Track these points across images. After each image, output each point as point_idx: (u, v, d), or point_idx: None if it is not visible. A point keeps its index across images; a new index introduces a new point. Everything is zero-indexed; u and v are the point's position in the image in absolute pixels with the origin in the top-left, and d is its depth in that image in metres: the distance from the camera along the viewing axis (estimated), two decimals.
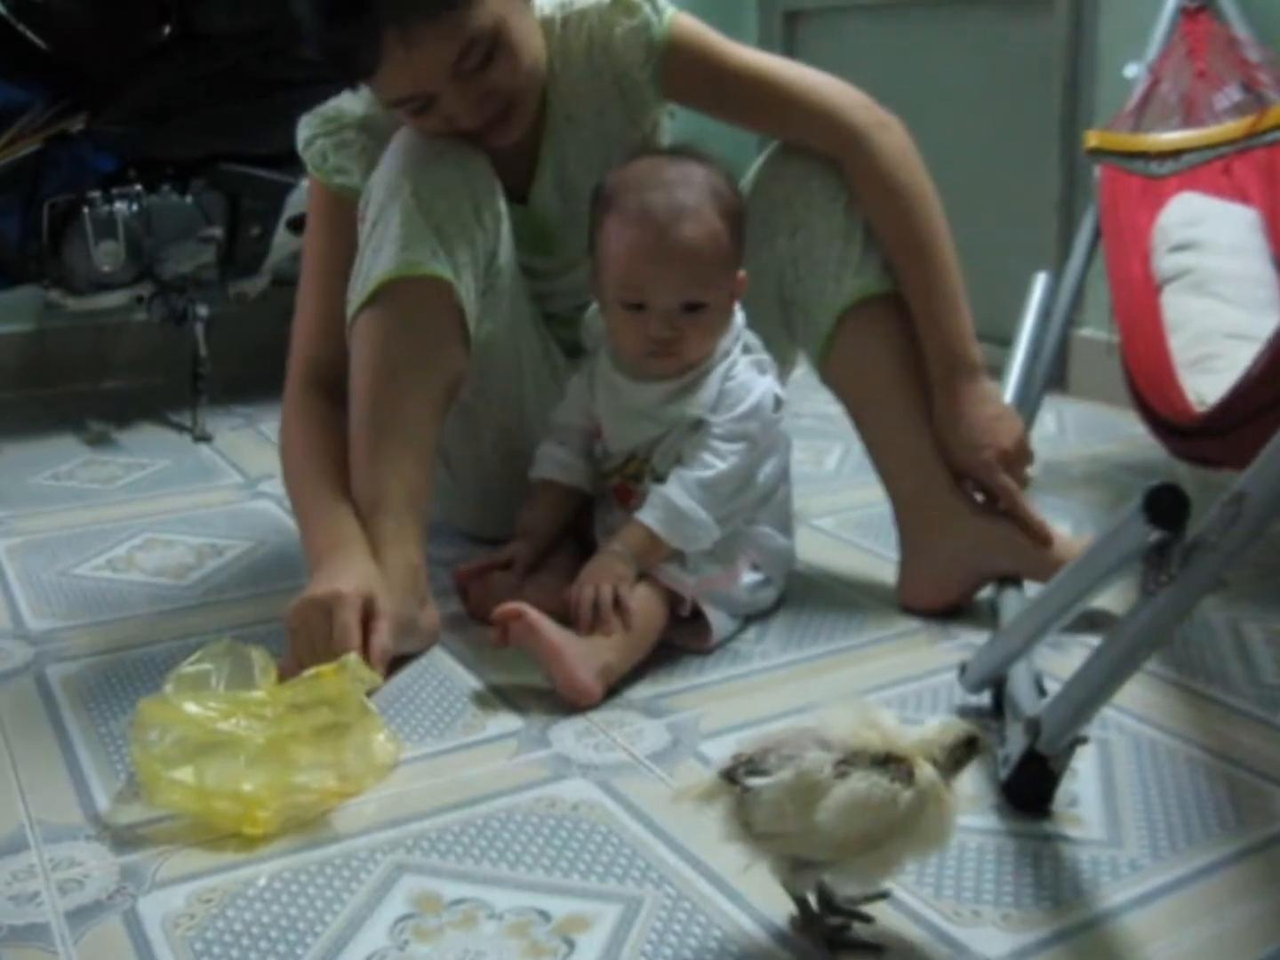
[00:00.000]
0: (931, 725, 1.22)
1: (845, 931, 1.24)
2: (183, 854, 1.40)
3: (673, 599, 1.84)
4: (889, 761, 1.17)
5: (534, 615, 1.70)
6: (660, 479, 1.89)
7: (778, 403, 1.93)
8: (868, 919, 1.25)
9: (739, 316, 1.95)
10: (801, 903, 1.23)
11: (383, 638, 1.71)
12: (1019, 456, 1.98)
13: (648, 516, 1.82)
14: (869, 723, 1.20)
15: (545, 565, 1.95)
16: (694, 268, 1.82)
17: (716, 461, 1.85)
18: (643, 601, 1.79)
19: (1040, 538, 1.94)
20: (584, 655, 1.71)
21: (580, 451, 2.00)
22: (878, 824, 1.15)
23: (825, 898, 1.24)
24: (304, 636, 1.69)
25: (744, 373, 1.91)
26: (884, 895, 1.28)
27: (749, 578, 1.92)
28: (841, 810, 1.14)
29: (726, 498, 1.86)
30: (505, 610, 1.72)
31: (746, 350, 1.94)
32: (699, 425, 1.88)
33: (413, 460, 1.87)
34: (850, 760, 1.17)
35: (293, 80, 2.95)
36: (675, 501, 1.81)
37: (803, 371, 2.22)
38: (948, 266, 2.00)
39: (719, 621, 1.86)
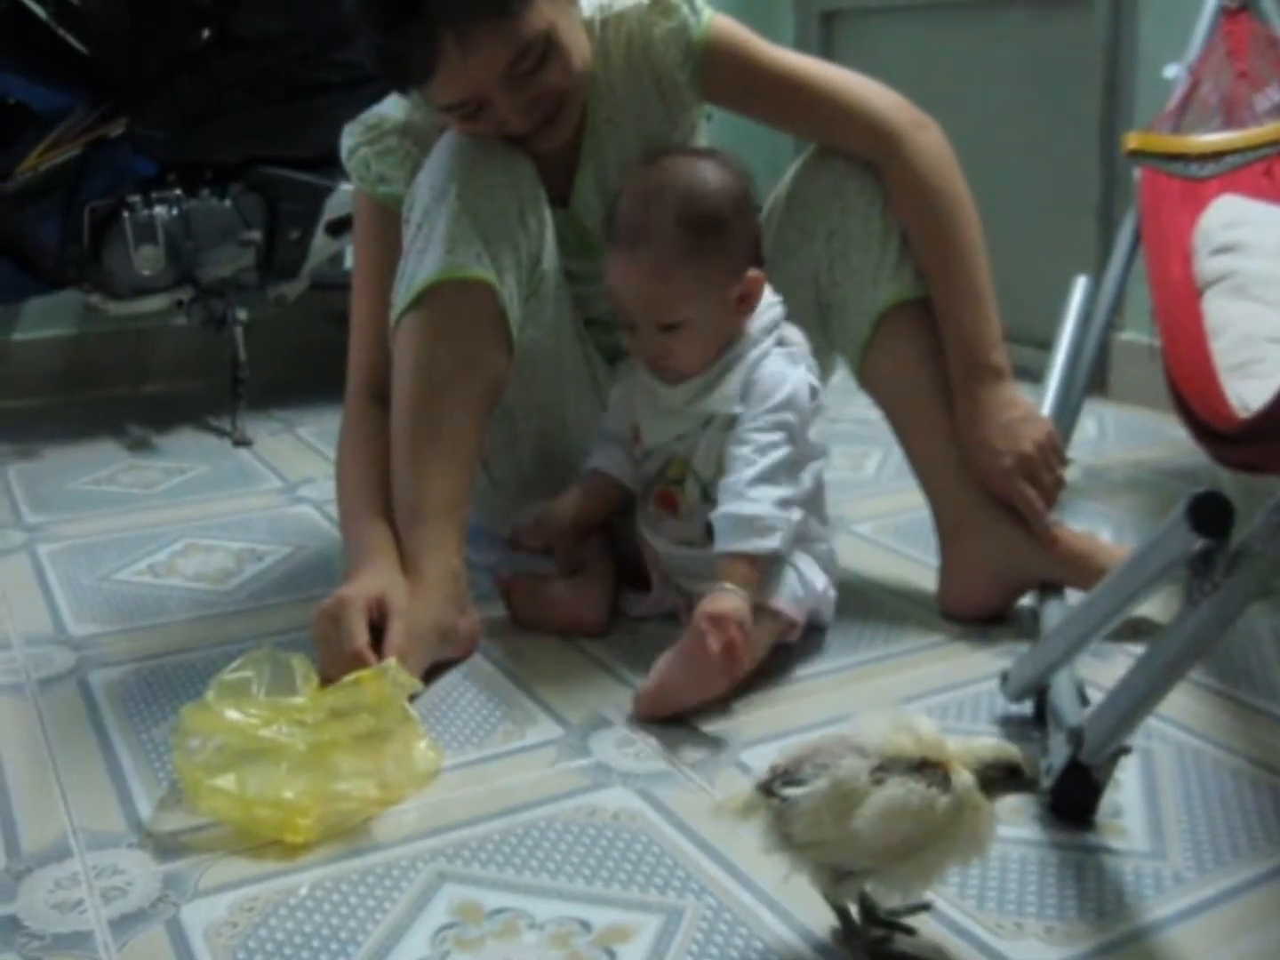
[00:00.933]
0: (985, 741, 1.22)
1: (887, 944, 1.24)
2: (225, 862, 1.41)
3: (784, 626, 1.82)
4: (925, 766, 1.16)
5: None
6: (703, 482, 1.89)
7: (814, 393, 1.91)
8: (910, 931, 1.25)
9: (776, 310, 1.93)
10: (843, 914, 1.23)
11: (395, 636, 1.71)
12: (1043, 461, 1.95)
13: (727, 544, 1.76)
14: (904, 728, 1.20)
15: (584, 573, 1.96)
16: (653, 291, 1.83)
17: (756, 457, 1.80)
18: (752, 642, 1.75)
19: (1049, 544, 1.95)
20: (681, 689, 1.70)
21: (625, 456, 1.98)
22: (916, 829, 1.14)
23: (867, 909, 1.24)
24: (323, 648, 1.71)
25: (774, 364, 1.88)
26: (926, 907, 1.27)
27: (823, 580, 1.90)
28: (879, 817, 1.14)
29: (781, 482, 1.81)
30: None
31: (782, 344, 1.92)
32: (733, 422, 1.86)
33: (454, 466, 1.87)
34: (886, 766, 1.16)
35: (330, 83, 2.97)
36: (739, 512, 1.77)
37: (841, 376, 2.20)
38: (975, 270, 1.99)
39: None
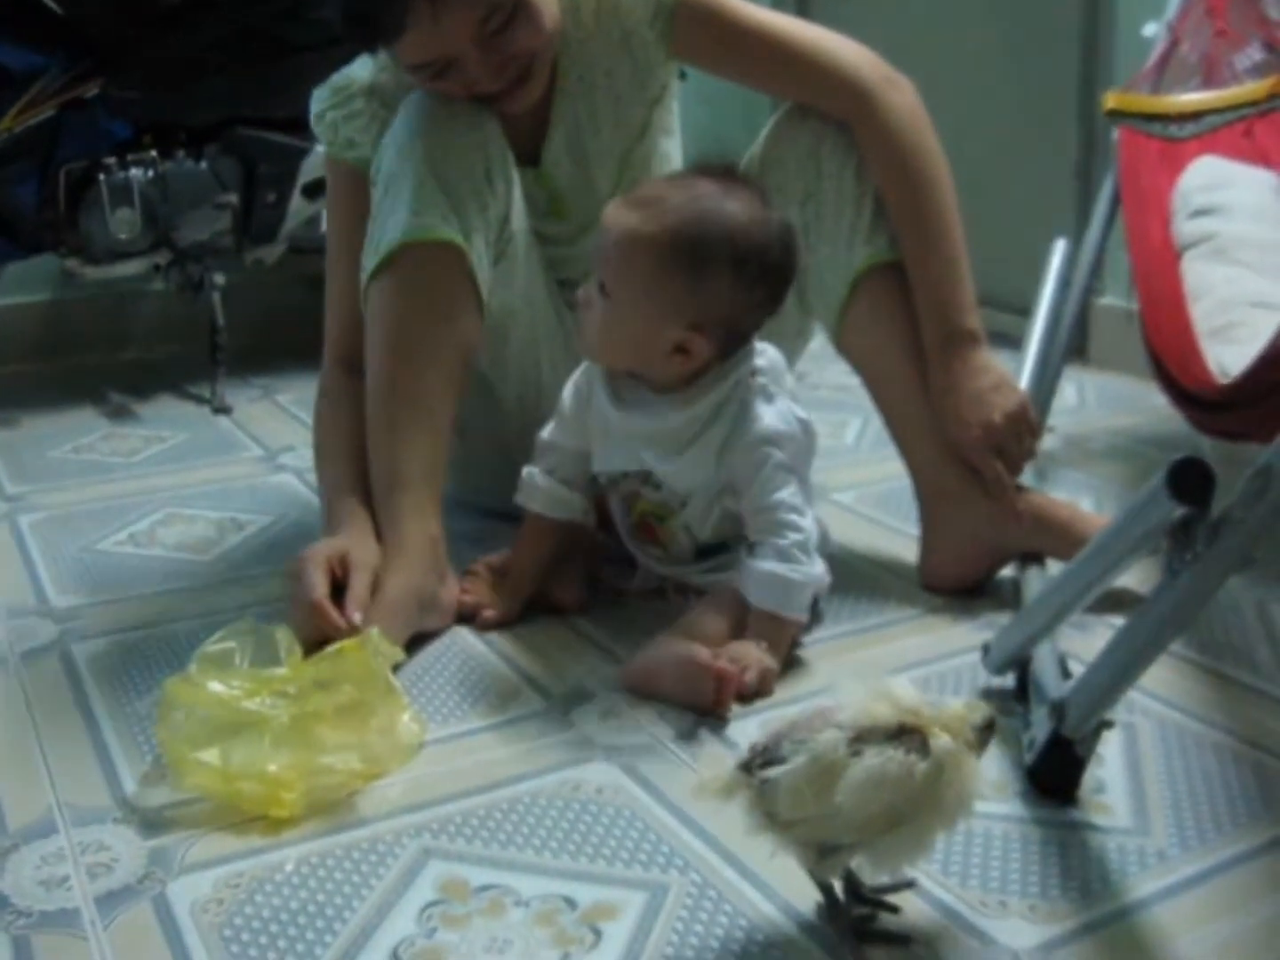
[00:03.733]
0: (956, 705, 1.22)
1: (872, 921, 1.24)
2: (210, 838, 1.41)
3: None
4: (902, 733, 1.16)
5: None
6: (697, 539, 1.85)
7: (805, 427, 1.82)
8: (894, 909, 1.25)
9: (751, 363, 1.80)
10: (828, 892, 1.23)
11: (359, 588, 1.73)
12: (1011, 432, 1.93)
13: (765, 603, 1.72)
14: (881, 695, 1.19)
15: (567, 560, 1.94)
16: (604, 246, 1.74)
17: (794, 518, 1.74)
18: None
19: (1013, 518, 1.94)
20: (668, 691, 1.67)
21: (575, 481, 1.90)
22: (897, 798, 1.14)
23: (852, 887, 1.24)
24: (293, 612, 1.73)
25: (759, 415, 1.77)
26: (910, 884, 1.28)
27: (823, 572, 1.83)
28: (859, 788, 1.13)
29: (811, 529, 1.77)
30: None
31: (755, 373, 1.80)
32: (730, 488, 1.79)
33: (429, 433, 1.87)
34: (863, 737, 1.16)
35: (305, 43, 2.95)
36: (785, 576, 1.71)
37: (820, 342, 2.18)
38: (948, 232, 1.97)
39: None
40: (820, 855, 1.19)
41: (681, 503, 1.84)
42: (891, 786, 1.14)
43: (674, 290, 1.71)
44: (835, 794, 1.14)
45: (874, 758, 1.14)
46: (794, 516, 1.74)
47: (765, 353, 1.82)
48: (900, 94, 1.98)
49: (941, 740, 1.16)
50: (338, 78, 2.07)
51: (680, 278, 1.71)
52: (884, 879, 1.26)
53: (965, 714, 1.20)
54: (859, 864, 1.21)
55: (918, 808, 1.15)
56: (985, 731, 1.20)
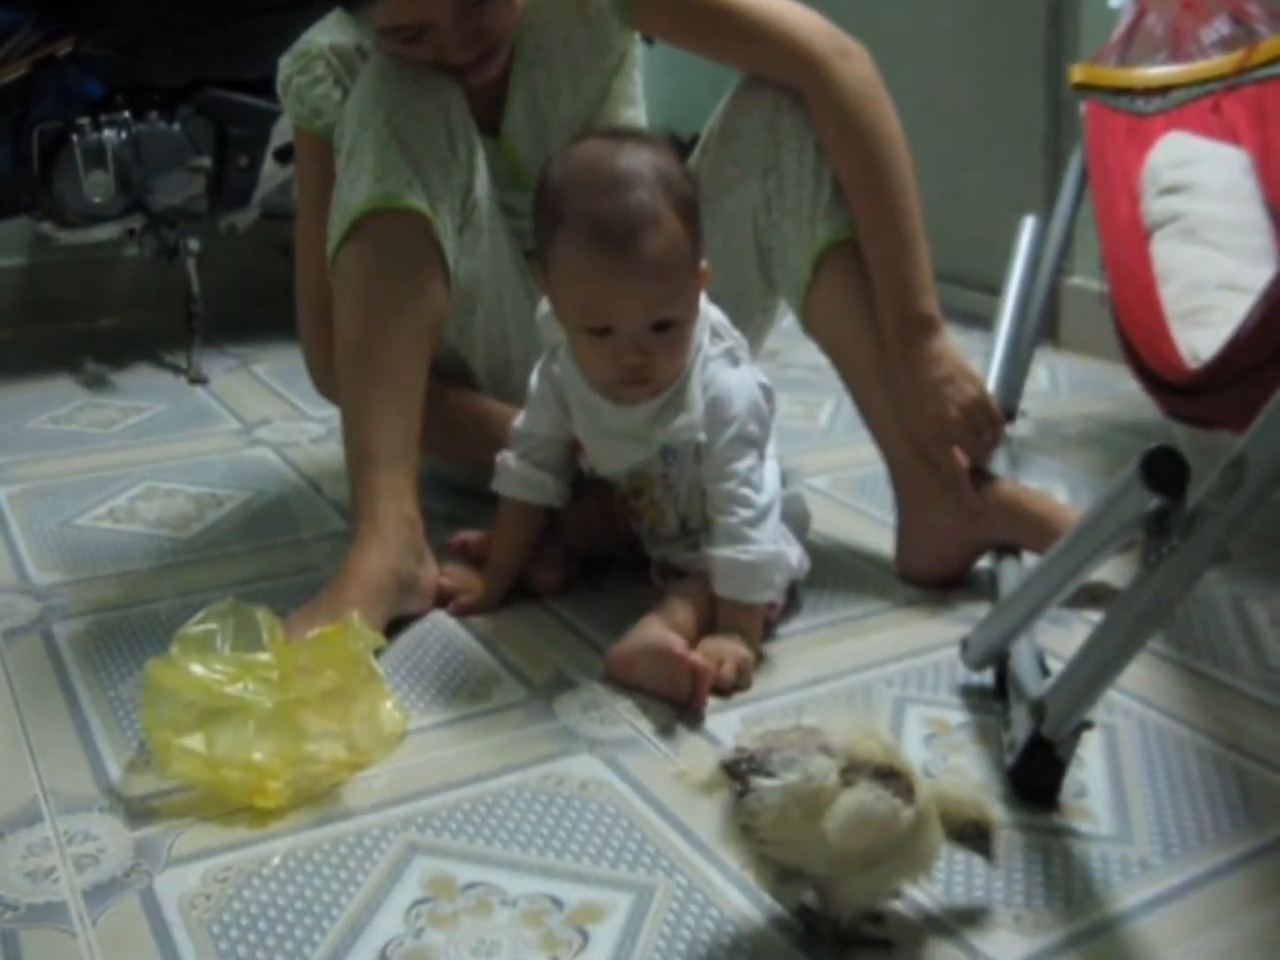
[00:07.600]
0: (970, 795, 1.24)
1: (855, 930, 1.23)
2: (196, 829, 1.41)
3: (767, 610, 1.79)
4: (890, 776, 1.17)
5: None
6: (684, 515, 1.84)
7: (767, 394, 1.80)
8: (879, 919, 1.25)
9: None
10: (799, 911, 1.23)
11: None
12: (968, 425, 1.91)
13: (729, 592, 1.72)
14: (868, 732, 1.20)
15: (546, 542, 1.94)
16: (660, 283, 1.65)
17: (747, 492, 1.72)
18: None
19: (970, 516, 1.93)
20: (646, 680, 1.67)
21: (551, 465, 1.88)
22: (879, 840, 1.15)
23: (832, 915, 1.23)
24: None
25: (720, 372, 1.76)
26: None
27: (796, 553, 1.86)
28: (849, 820, 1.13)
29: (773, 510, 1.76)
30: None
31: (715, 335, 1.79)
32: (699, 448, 1.76)
33: (401, 406, 1.85)
34: (855, 769, 1.16)
35: (278, 2, 2.93)
36: (739, 559, 1.70)
37: (791, 320, 2.12)
38: (902, 209, 1.92)
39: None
40: (782, 879, 1.19)
41: (663, 474, 1.82)
42: (877, 826, 1.14)
43: (697, 255, 1.71)
44: (823, 821, 1.14)
45: (866, 792, 1.15)
46: (746, 491, 1.72)
47: (714, 314, 1.81)
48: (853, 64, 1.94)
49: (925, 791, 1.17)
50: (299, 44, 2.06)
51: (696, 241, 1.70)
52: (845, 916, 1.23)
53: (972, 814, 1.22)
54: (811, 897, 1.21)
55: (892, 855, 1.16)
56: (976, 837, 1.22)
